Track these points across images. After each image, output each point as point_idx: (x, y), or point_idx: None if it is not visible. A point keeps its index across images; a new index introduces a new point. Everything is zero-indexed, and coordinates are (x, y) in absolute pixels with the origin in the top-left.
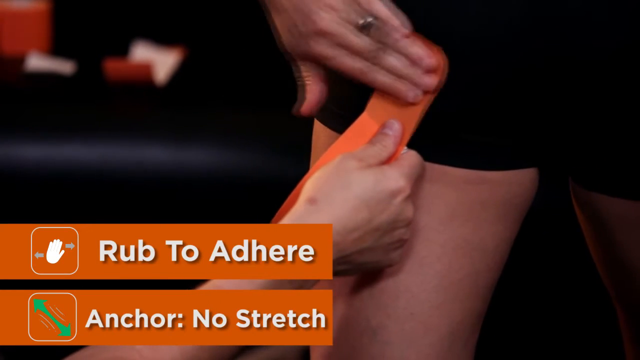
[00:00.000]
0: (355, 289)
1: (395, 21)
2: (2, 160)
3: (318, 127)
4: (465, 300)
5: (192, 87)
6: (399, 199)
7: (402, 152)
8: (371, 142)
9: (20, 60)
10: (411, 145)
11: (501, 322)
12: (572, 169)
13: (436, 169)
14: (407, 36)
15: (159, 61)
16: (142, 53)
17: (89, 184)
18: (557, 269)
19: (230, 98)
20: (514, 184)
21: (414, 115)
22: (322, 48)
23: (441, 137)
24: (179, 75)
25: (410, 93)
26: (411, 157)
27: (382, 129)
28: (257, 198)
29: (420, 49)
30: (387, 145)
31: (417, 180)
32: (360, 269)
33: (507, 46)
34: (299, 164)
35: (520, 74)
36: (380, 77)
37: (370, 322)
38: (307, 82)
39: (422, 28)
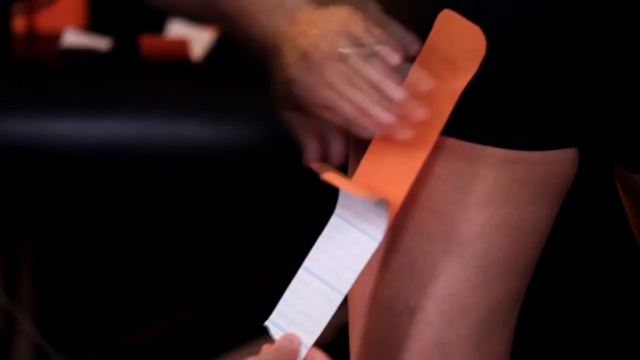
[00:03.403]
0: (393, 269)
1: (390, 46)
2: (38, 136)
3: None
4: (504, 280)
5: (228, 64)
6: None
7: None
8: None
9: (56, 36)
10: (448, 124)
11: (542, 302)
12: (616, 150)
13: (475, 149)
14: (402, 59)
15: (195, 38)
16: (178, 29)
17: (124, 160)
18: (599, 251)
19: (266, 75)
20: (552, 164)
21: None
22: (336, 75)
23: (479, 117)
24: (215, 51)
25: (402, 133)
26: None
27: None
28: (292, 174)
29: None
30: None
31: (455, 161)
32: None
33: (541, 18)
34: None
35: (556, 47)
36: (379, 112)
37: (409, 301)
38: (300, 137)
39: (454, 6)
